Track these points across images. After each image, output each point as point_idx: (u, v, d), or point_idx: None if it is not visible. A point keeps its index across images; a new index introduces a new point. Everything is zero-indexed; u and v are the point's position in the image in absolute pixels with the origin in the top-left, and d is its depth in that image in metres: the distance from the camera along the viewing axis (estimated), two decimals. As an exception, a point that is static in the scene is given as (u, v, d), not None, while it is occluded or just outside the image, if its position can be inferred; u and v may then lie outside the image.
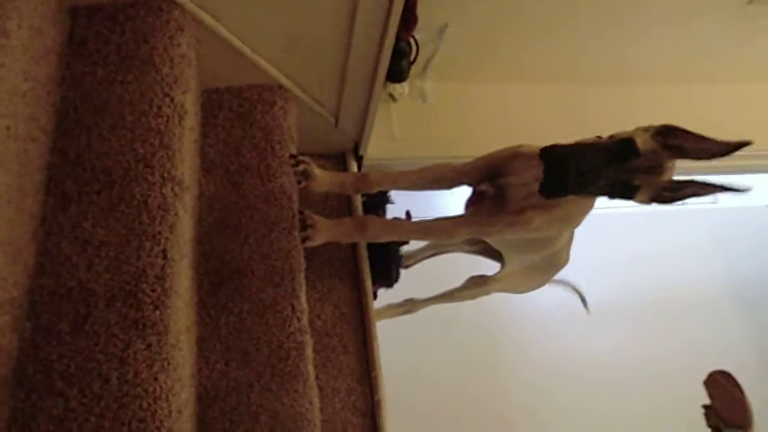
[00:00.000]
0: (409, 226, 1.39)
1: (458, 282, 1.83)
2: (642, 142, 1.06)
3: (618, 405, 2.63)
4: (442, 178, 1.37)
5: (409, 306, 1.92)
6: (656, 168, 1.05)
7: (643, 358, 2.77)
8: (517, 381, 2.64)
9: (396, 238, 1.40)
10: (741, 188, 1.04)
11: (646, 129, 1.09)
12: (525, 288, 1.80)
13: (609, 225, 3.14)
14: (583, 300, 2.13)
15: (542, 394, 2.62)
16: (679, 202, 1.08)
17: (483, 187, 1.34)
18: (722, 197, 3.46)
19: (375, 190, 1.36)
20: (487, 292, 1.80)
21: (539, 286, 1.76)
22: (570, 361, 2.71)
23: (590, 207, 1.29)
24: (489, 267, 1.75)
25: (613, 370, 2.72)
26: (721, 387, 1.30)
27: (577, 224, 1.36)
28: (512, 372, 2.66)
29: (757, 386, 2.76)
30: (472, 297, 1.84)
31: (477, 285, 1.79)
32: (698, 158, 1.07)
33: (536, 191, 1.17)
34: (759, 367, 2.92)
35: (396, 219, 1.52)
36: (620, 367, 2.74)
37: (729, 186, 1.04)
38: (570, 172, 1.01)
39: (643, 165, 1.04)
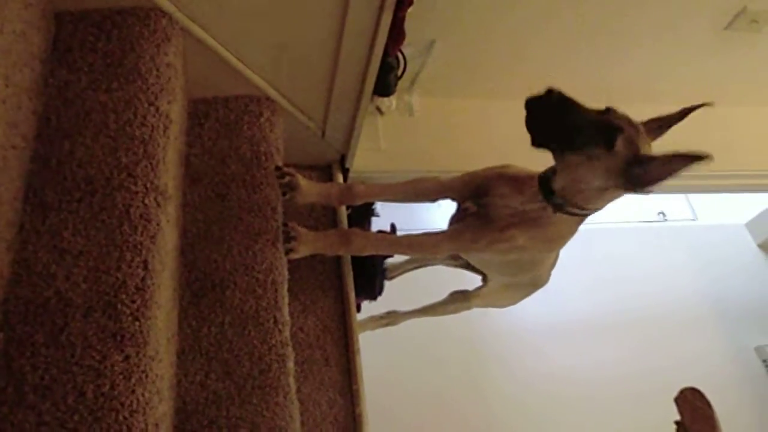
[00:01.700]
0: (393, 240, 1.39)
1: (441, 295, 1.84)
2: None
3: (599, 421, 2.63)
4: (426, 192, 1.37)
5: (391, 318, 1.92)
6: (635, 126, 1.09)
7: (624, 375, 2.78)
8: (499, 396, 2.64)
9: (380, 252, 1.39)
10: (704, 155, 1.06)
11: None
12: (505, 304, 1.83)
13: (591, 243, 3.17)
14: None
15: (525, 408, 2.62)
16: (653, 186, 1.08)
17: (467, 204, 1.35)
18: (701, 214, 3.53)
19: (360, 202, 1.36)
20: (468, 308, 1.82)
21: (520, 300, 1.78)
22: (552, 377, 2.71)
23: (574, 229, 1.29)
24: (472, 280, 1.76)
25: (594, 386, 2.73)
26: (691, 404, 1.32)
27: (560, 246, 1.36)
28: (495, 387, 2.66)
29: (738, 404, 2.82)
30: (454, 311, 1.86)
31: (458, 300, 1.82)
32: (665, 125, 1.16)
33: (520, 211, 1.22)
34: (740, 385, 2.95)
35: (380, 232, 1.52)
36: (602, 383, 2.75)
37: (694, 154, 1.06)
38: (552, 109, 1.06)
39: (622, 117, 1.09)
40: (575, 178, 1.12)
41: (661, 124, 1.16)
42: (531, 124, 1.10)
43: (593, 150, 1.06)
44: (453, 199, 1.38)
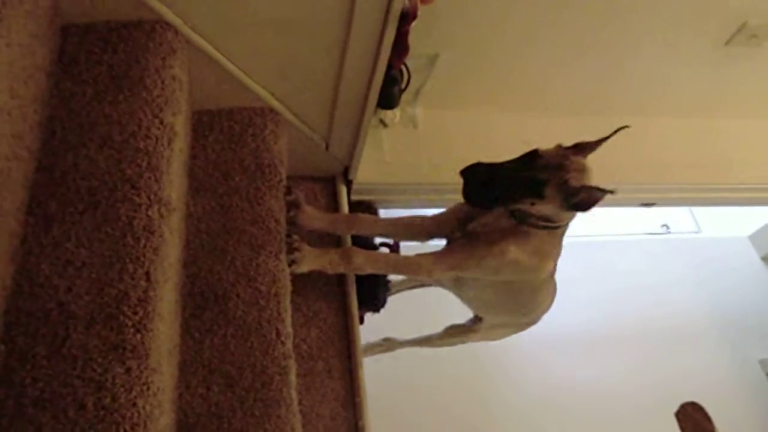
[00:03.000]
0: (393, 260, 1.42)
1: (441, 322, 1.87)
2: (545, 149, 1.24)
3: (602, 434, 2.62)
4: (415, 228, 1.46)
5: (388, 345, 1.94)
6: (560, 165, 1.20)
7: (627, 387, 2.76)
8: (502, 408, 2.62)
9: (380, 272, 1.42)
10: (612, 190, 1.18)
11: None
12: (501, 337, 1.87)
13: (595, 255, 3.16)
14: None
15: (527, 420, 2.60)
16: (594, 205, 1.21)
17: (456, 235, 1.40)
18: (704, 227, 3.53)
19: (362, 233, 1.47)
20: (464, 342, 1.86)
21: (517, 332, 1.82)
22: (555, 389, 2.70)
23: (556, 242, 1.37)
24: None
25: (597, 399, 2.71)
26: (692, 419, 1.31)
27: (548, 262, 1.40)
28: (497, 399, 2.64)
29: (742, 417, 2.79)
30: (450, 345, 1.90)
31: (455, 335, 1.86)
32: (592, 148, 1.27)
33: (503, 227, 1.31)
34: (744, 398, 2.92)
35: (384, 244, 1.53)
36: (604, 396, 2.73)
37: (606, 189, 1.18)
38: (481, 180, 1.22)
39: (546, 163, 1.20)
40: (526, 212, 1.27)
41: (585, 148, 1.27)
42: (467, 193, 1.24)
43: (527, 202, 1.23)
44: (443, 235, 1.45)
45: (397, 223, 1.47)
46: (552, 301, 1.62)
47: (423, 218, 1.46)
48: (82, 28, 1.03)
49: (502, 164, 1.23)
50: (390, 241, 1.63)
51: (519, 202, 1.23)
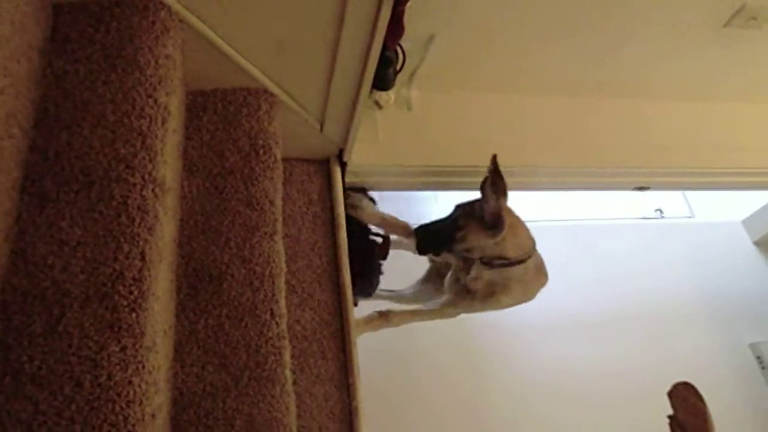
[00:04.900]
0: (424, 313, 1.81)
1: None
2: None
3: (594, 415, 2.65)
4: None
5: (387, 318, 2.00)
6: (469, 203, 1.57)
7: (619, 370, 2.79)
8: (496, 391, 2.64)
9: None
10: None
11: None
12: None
13: (588, 239, 3.18)
14: None
15: (521, 403, 2.63)
16: (497, 218, 1.51)
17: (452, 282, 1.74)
18: (698, 212, 3.55)
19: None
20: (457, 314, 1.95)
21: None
22: (549, 372, 2.72)
23: (540, 272, 1.72)
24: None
25: (590, 381, 2.74)
26: (684, 398, 1.33)
27: (538, 286, 1.73)
28: (491, 382, 2.67)
29: (732, 400, 2.84)
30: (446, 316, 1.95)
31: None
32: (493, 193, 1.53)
33: (488, 279, 1.65)
34: (734, 381, 2.96)
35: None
36: (597, 378, 2.76)
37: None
38: (425, 235, 1.61)
39: (461, 210, 1.59)
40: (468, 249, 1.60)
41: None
42: (420, 246, 1.63)
43: (458, 238, 1.56)
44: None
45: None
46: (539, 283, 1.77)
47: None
48: (75, 6, 1.01)
49: (435, 226, 1.61)
50: (382, 231, 1.75)
51: (451, 247, 1.58)
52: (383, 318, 1.67)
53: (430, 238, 1.61)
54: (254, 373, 1.09)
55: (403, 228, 1.70)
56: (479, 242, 1.54)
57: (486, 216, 1.51)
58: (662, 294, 3.13)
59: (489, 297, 1.64)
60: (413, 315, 1.76)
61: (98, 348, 0.82)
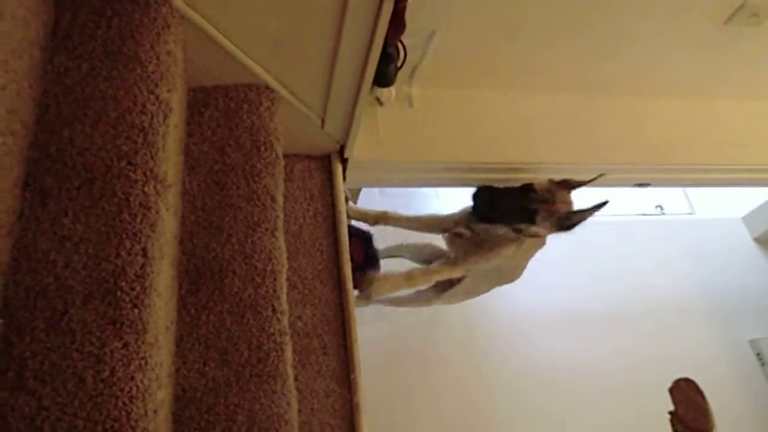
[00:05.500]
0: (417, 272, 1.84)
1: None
2: (538, 183, 1.59)
3: (595, 411, 2.65)
4: (434, 221, 1.89)
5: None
6: (549, 198, 1.57)
7: (620, 366, 2.80)
8: (497, 386, 2.65)
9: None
10: (602, 202, 1.57)
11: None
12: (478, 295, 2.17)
13: (588, 235, 3.17)
14: None
15: (522, 399, 2.63)
16: (577, 226, 1.59)
17: (462, 230, 1.78)
18: (698, 208, 3.55)
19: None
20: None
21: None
22: (549, 368, 2.73)
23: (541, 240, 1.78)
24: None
25: (590, 377, 2.75)
26: (685, 394, 1.34)
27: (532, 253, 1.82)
28: (492, 377, 2.67)
29: (732, 396, 2.84)
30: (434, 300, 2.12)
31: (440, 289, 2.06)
32: (575, 186, 1.63)
33: (501, 234, 1.71)
34: (734, 377, 2.97)
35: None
36: (598, 374, 2.76)
37: (598, 204, 1.56)
38: (487, 203, 1.60)
39: (538, 197, 1.57)
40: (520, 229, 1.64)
41: (570, 184, 1.63)
42: (475, 213, 1.66)
43: (522, 224, 1.61)
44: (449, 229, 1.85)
45: (420, 218, 1.89)
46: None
47: (438, 216, 1.87)
48: (76, 2, 1.01)
49: (503, 192, 1.60)
50: (365, 227, 1.89)
51: (515, 224, 1.60)
52: (407, 276, 1.77)
53: (497, 208, 1.60)
54: (256, 369, 1.10)
55: (373, 217, 1.82)
56: (539, 232, 1.63)
57: (566, 222, 1.59)
58: (662, 290, 3.13)
59: (495, 249, 1.73)
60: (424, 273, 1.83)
61: (101, 344, 0.82)
